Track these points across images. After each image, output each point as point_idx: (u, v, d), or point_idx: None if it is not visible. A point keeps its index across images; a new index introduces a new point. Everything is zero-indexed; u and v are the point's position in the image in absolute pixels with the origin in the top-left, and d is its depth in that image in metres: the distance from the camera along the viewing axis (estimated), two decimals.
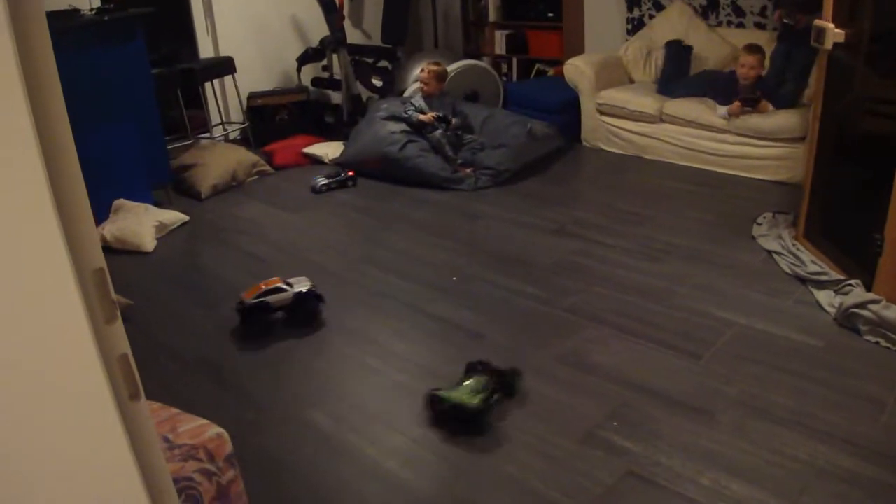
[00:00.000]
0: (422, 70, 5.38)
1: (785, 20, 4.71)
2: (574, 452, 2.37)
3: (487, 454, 2.39)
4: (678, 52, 5.36)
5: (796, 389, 2.60)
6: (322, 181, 4.94)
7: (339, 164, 5.33)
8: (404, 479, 2.31)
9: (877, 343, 2.85)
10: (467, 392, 2.53)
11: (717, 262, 3.60)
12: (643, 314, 3.17)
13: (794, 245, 3.59)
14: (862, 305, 2.91)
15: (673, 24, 5.56)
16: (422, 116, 5.08)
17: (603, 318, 3.17)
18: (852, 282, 3.11)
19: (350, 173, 5.05)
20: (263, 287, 3.18)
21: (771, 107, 4.63)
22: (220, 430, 1.84)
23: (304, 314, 3.23)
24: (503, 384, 2.63)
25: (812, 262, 3.40)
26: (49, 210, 0.88)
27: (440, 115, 5.07)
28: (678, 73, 5.30)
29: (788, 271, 3.42)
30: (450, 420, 2.52)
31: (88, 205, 0.94)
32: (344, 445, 2.48)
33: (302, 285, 3.23)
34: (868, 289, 3.03)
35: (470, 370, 2.68)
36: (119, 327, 0.98)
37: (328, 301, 3.31)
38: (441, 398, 2.53)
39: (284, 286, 3.20)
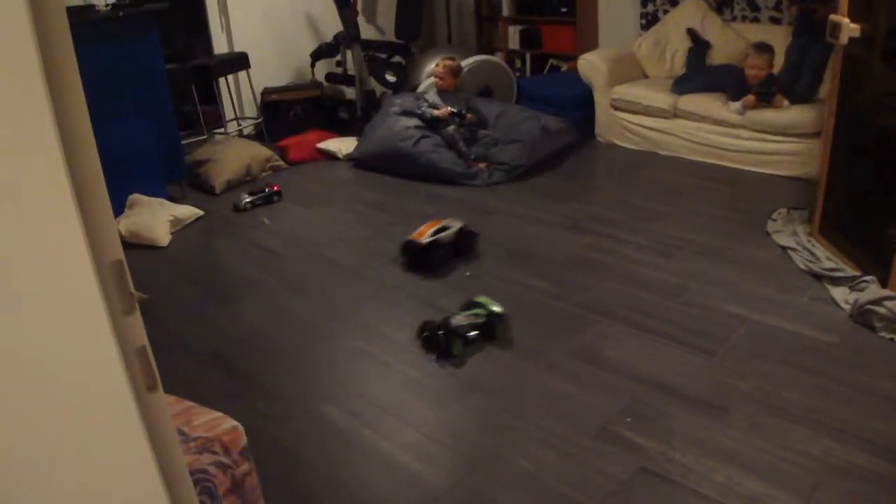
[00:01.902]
0: (436, 65, 5.38)
1: (802, 7, 4.67)
2: (587, 448, 2.37)
3: (501, 449, 2.39)
4: (699, 53, 5.33)
5: (810, 386, 2.59)
6: (247, 199, 4.69)
7: (354, 159, 5.35)
8: (418, 473, 2.32)
9: (892, 340, 2.83)
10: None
11: (731, 258, 3.59)
12: (657, 310, 3.17)
13: (809, 241, 3.57)
14: (877, 302, 2.90)
15: (687, 18, 5.53)
16: (436, 112, 5.07)
17: (616, 313, 3.16)
18: (867, 278, 3.09)
19: (275, 188, 4.80)
20: (429, 229, 3.64)
21: (786, 102, 4.60)
22: (234, 422, 1.85)
23: (466, 246, 3.74)
24: (486, 326, 2.96)
25: (827, 259, 3.38)
26: (69, 202, 0.89)
27: (454, 110, 5.07)
28: (695, 72, 5.28)
29: (803, 267, 3.41)
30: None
31: (107, 197, 0.95)
32: (357, 439, 2.49)
33: (457, 224, 3.69)
34: (884, 285, 3.02)
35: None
36: (137, 319, 0.99)
37: (340, 296, 3.32)
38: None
39: (447, 225, 3.66)
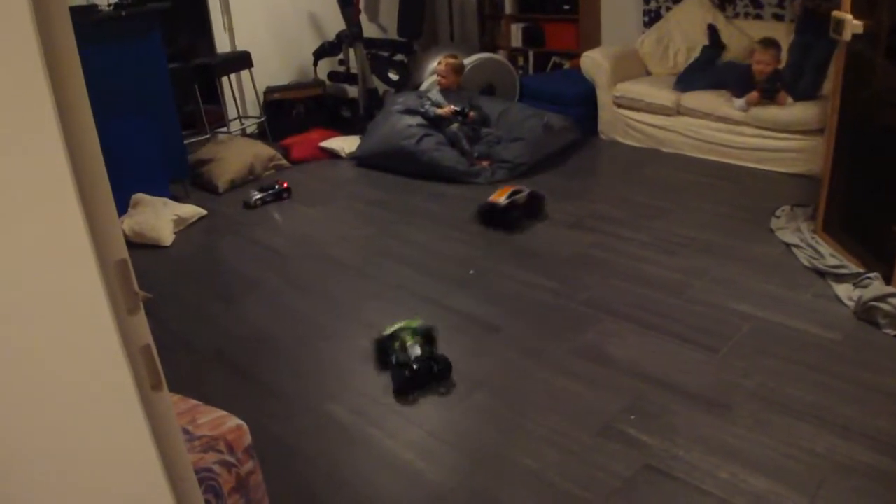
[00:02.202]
0: (439, 63, 5.37)
1: (807, 4, 4.66)
2: (591, 445, 2.37)
3: (504, 447, 2.40)
4: (711, 53, 5.31)
5: (814, 383, 2.59)
6: (257, 195, 4.72)
7: (357, 158, 5.35)
8: (421, 471, 2.32)
9: None
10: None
11: (734, 255, 3.58)
12: (660, 307, 3.16)
13: (812, 238, 3.57)
14: (881, 299, 2.89)
15: (690, 15, 5.53)
16: (439, 111, 5.07)
17: (620, 311, 3.16)
18: (871, 275, 3.09)
19: (285, 185, 4.84)
20: (504, 193, 4.08)
21: (790, 98, 4.60)
22: (239, 421, 1.85)
23: (536, 208, 4.17)
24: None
25: (831, 255, 3.38)
26: (73, 202, 0.89)
27: (457, 108, 5.07)
28: (698, 70, 5.26)
29: (807, 264, 3.40)
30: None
31: (111, 196, 0.95)
32: (361, 437, 2.50)
33: (526, 189, 4.15)
34: (887, 282, 3.01)
35: None
36: (141, 318, 0.99)
37: (343, 294, 3.32)
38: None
39: (518, 189, 4.13)
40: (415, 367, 2.69)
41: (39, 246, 0.91)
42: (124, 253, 0.97)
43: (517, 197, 4.08)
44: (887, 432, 2.32)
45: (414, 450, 2.42)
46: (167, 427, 1.07)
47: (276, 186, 4.81)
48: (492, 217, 4.09)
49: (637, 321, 3.08)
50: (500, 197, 4.07)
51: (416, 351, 2.77)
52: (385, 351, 2.85)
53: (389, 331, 2.87)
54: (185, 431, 1.76)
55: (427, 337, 2.86)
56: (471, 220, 4.13)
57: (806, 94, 4.60)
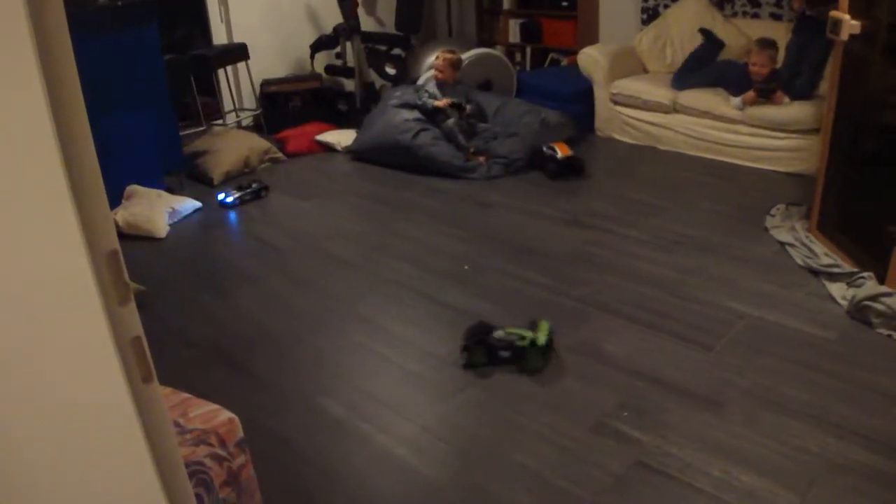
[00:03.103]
0: (437, 57, 5.36)
1: (808, 13, 4.65)
2: (584, 442, 2.37)
3: (497, 442, 2.39)
4: (708, 51, 5.30)
5: (808, 382, 2.59)
6: (235, 193, 4.61)
7: (353, 151, 5.35)
8: (415, 467, 2.32)
9: (889, 336, 2.83)
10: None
11: (729, 253, 3.59)
12: (655, 305, 3.16)
13: (807, 237, 3.57)
14: (875, 298, 2.90)
15: (688, 14, 5.52)
16: (437, 102, 5.06)
17: (615, 308, 3.16)
18: (865, 274, 3.09)
19: (263, 184, 4.75)
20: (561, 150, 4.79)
21: (786, 98, 4.60)
22: (231, 415, 1.85)
23: (578, 168, 4.80)
24: (519, 352, 2.79)
25: (825, 255, 3.38)
26: (64, 192, 0.89)
27: (454, 101, 5.06)
28: (695, 68, 5.25)
29: (801, 263, 3.41)
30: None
31: (103, 188, 0.94)
32: (355, 432, 2.49)
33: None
34: (881, 281, 3.02)
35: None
36: (132, 310, 0.98)
37: (337, 288, 3.31)
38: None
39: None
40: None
41: (29, 236, 0.90)
42: (115, 244, 0.96)
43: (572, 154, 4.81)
44: (880, 431, 2.32)
45: (407, 445, 2.42)
46: (158, 420, 1.06)
47: (254, 185, 4.72)
48: (558, 166, 4.75)
49: (632, 318, 3.08)
50: (565, 151, 4.78)
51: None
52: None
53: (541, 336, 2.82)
54: (177, 424, 1.76)
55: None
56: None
57: (803, 93, 4.61)
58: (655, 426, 2.42)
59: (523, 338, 2.76)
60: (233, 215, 4.45)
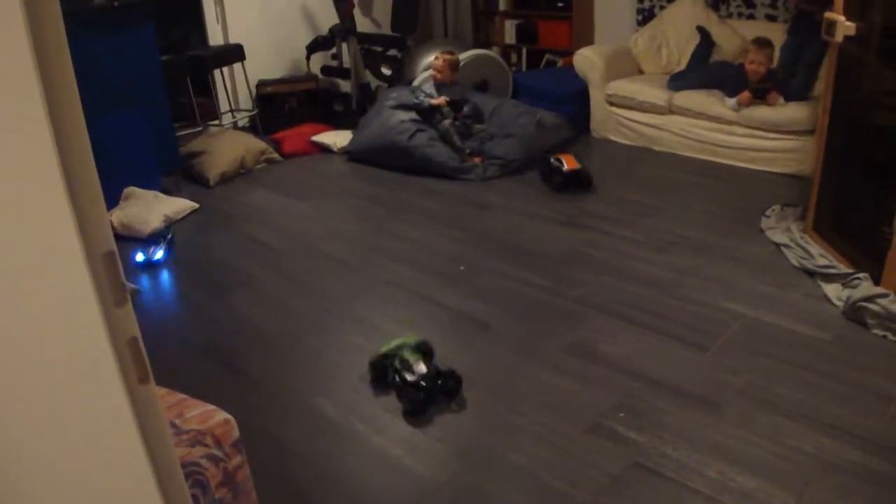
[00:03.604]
0: (436, 58, 5.35)
1: (802, 7, 4.67)
2: (580, 442, 2.37)
3: (494, 443, 2.40)
4: (703, 51, 5.32)
5: (803, 382, 2.60)
6: (153, 250, 3.87)
7: (349, 152, 5.35)
8: (411, 467, 2.32)
9: (884, 337, 2.84)
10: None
11: (725, 254, 3.59)
12: (651, 305, 3.17)
13: (802, 238, 3.58)
14: (870, 299, 2.91)
15: (683, 14, 5.53)
16: (433, 101, 5.06)
17: (611, 308, 3.16)
18: (861, 275, 3.10)
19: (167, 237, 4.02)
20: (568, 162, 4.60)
21: (781, 99, 4.61)
22: (227, 415, 1.84)
23: (585, 181, 4.59)
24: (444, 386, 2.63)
25: (820, 256, 3.39)
26: (60, 192, 0.89)
27: (451, 99, 5.06)
28: (691, 69, 5.27)
29: (797, 264, 3.41)
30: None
31: (99, 188, 0.94)
32: (351, 433, 2.49)
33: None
34: (876, 283, 3.02)
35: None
36: (129, 310, 0.98)
37: (334, 289, 3.31)
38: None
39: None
40: (423, 384, 2.55)
41: (26, 237, 0.90)
42: (112, 245, 0.96)
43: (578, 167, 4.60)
44: (875, 431, 2.33)
45: (403, 446, 2.42)
46: (154, 420, 1.06)
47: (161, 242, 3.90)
48: (564, 178, 4.56)
49: (628, 319, 3.08)
50: (571, 165, 4.57)
51: (422, 368, 2.61)
52: (384, 371, 2.70)
53: (385, 349, 2.71)
54: (173, 425, 1.76)
55: (426, 352, 2.73)
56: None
57: (798, 94, 4.62)
58: (651, 427, 2.42)
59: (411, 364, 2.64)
60: (229, 216, 4.45)
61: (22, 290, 0.92)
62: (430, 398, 2.57)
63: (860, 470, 2.18)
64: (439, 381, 2.59)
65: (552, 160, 4.63)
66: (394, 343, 2.73)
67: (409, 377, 2.60)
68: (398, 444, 2.42)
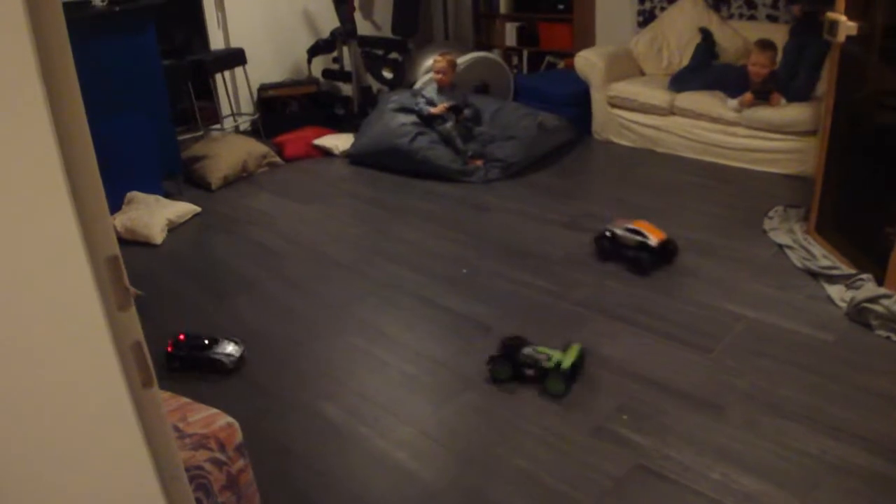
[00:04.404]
0: (436, 61, 5.34)
1: (805, 9, 4.66)
2: (583, 445, 2.37)
3: (496, 446, 2.39)
4: (705, 49, 5.31)
5: (807, 384, 2.59)
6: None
7: (350, 156, 5.35)
8: (413, 471, 2.31)
9: (888, 338, 2.83)
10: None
11: (727, 255, 3.59)
12: (653, 308, 3.16)
13: (805, 239, 3.57)
14: (873, 300, 2.90)
15: (684, 16, 5.53)
16: (433, 109, 5.06)
17: (613, 311, 3.16)
18: (864, 276, 3.10)
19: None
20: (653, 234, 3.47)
21: (783, 100, 4.61)
22: (230, 419, 1.85)
23: (672, 253, 3.54)
24: (543, 372, 2.68)
25: (823, 257, 3.38)
26: (64, 197, 0.89)
27: (452, 104, 5.06)
28: (692, 71, 5.27)
29: (799, 265, 3.41)
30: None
31: (103, 192, 0.94)
32: (353, 436, 2.49)
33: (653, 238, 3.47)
34: (880, 283, 3.02)
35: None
36: (132, 315, 0.98)
37: (336, 292, 3.31)
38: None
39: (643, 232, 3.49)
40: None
41: (30, 242, 0.90)
42: (116, 249, 0.96)
43: (629, 237, 3.50)
44: (880, 433, 2.32)
45: (406, 449, 2.41)
46: (158, 424, 1.06)
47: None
48: (598, 242, 3.63)
49: (630, 321, 3.08)
50: (658, 235, 3.48)
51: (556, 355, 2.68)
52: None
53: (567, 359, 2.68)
54: (176, 429, 1.76)
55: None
56: (589, 248, 3.58)
57: (799, 94, 4.61)
58: (655, 429, 2.42)
59: (550, 358, 2.68)
60: (231, 219, 4.45)
61: (26, 295, 0.92)
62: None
63: (865, 473, 2.17)
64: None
65: (623, 231, 3.52)
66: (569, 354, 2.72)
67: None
68: (401, 447, 2.42)
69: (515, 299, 3.32)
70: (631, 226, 3.49)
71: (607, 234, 3.55)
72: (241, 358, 2.93)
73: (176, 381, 2.64)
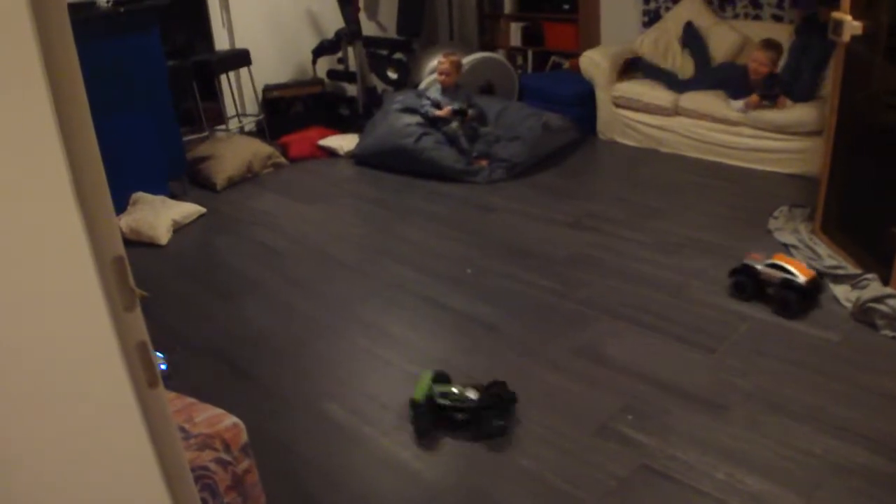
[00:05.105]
0: (440, 62, 5.34)
1: (808, 12, 4.66)
2: (588, 445, 2.37)
3: (501, 446, 2.39)
4: (700, 48, 5.31)
5: (812, 384, 2.59)
6: None
7: (355, 156, 5.36)
8: (418, 471, 2.32)
9: (894, 338, 2.83)
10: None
11: (732, 255, 3.58)
12: (658, 307, 3.16)
13: (810, 239, 3.57)
14: (879, 300, 2.89)
15: (689, 15, 5.52)
16: (438, 112, 5.06)
17: (617, 311, 3.16)
18: (869, 276, 3.09)
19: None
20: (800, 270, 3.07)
21: (789, 102, 4.60)
22: (235, 419, 1.85)
23: (818, 290, 3.14)
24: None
25: (829, 256, 3.38)
26: (70, 198, 0.89)
27: (456, 108, 5.06)
28: (696, 71, 5.26)
29: (805, 265, 3.40)
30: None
31: (108, 193, 0.95)
32: (358, 436, 2.49)
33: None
34: (885, 283, 3.01)
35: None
36: (138, 315, 0.99)
37: (341, 293, 3.32)
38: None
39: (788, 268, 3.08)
40: (488, 404, 2.44)
41: (36, 242, 0.91)
42: (121, 250, 0.97)
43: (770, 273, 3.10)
44: (885, 433, 2.32)
45: (410, 449, 2.42)
46: (163, 424, 1.07)
47: None
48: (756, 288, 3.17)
49: (635, 321, 3.08)
50: (807, 273, 3.09)
51: (472, 393, 2.48)
52: (437, 411, 2.48)
53: (422, 394, 2.46)
54: (182, 429, 1.76)
55: (447, 379, 2.60)
56: (726, 285, 3.24)
57: (805, 94, 4.60)
58: (659, 429, 2.42)
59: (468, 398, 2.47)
60: (236, 220, 4.46)
61: (32, 295, 0.93)
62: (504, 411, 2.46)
63: (869, 472, 2.17)
64: (498, 395, 2.48)
65: (765, 267, 3.12)
66: (424, 386, 2.50)
67: (467, 406, 2.46)
68: (405, 447, 2.42)
69: (520, 299, 3.32)
70: (772, 261, 3.12)
71: (747, 268, 3.17)
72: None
73: (180, 382, 2.65)
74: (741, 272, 3.18)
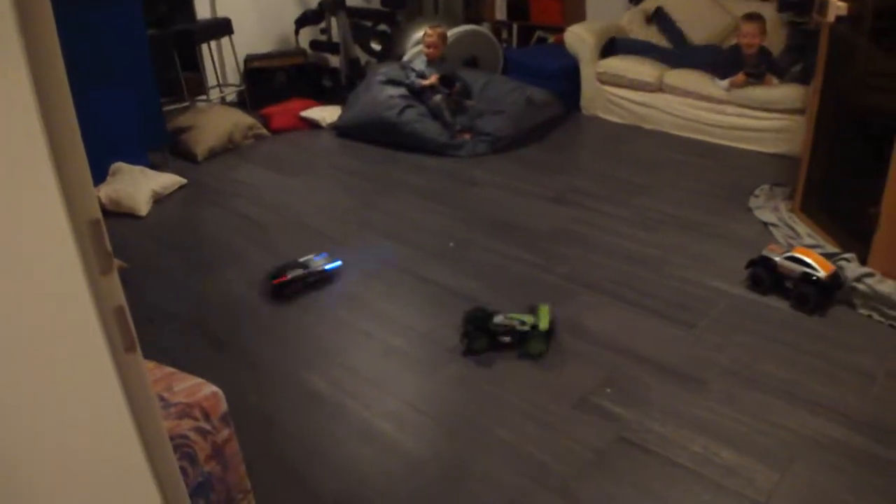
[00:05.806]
0: (427, 34, 5.30)
1: (797, 20, 4.67)
2: (567, 418, 2.39)
3: (480, 418, 2.41)
4: (667, 26, 5.31)
5: (788, 360, 2.62)
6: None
7: (338, 128, 5.32)
8: (398, 441, 2.33)
9: (870, 316, 2.86)
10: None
11: (712, 232, 3.60)
12: (638, 283, 3.18)
13: (790, 217, 3.59)
14: (857, 279, 2.92)
15: None
16: (425, 81, 5.03)
17: (598, 285, 3.17)
18: (847, 255, 3.11)
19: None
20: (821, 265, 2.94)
21: (775, 80, 4.61)
22: (215, 388, 1.84)
23: (837, 287, 2.96)
24: (522, 336, 2.75)
25: (808, 235, 3.40)
26: (45, 160, 0.88)
27: (443, 74, 5.03)
28: (680, 51, 5.26)
29: (784, 243, 3.42)
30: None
31: (84, 156, 0.93)
32: (339, 407, 2.50)
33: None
34: (863, 262, 3.04)
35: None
36: (114, 279, 0.98)
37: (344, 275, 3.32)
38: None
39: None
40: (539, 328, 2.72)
41: (10, 205, 0.89)
42: (98, 213, 0.95)
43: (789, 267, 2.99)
44: (859, 410, 2.35)
45: (391, 420, 2.42)
46: (141, 390, 1.06)
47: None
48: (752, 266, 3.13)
49: (615, 296, 3.09)
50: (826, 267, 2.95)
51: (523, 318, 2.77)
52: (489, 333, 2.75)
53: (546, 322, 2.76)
54: (161, 398, 1.75)
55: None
56: (744, 273, 3.14)
57: (796, 79, 4.60)
58: (637, 402, 2.44)
59: (524, 322, 2.73)
60: (217, 192, 4.42)
61: (5, 258, 0.91)
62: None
63: (844, 447, 2.20)
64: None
65: (784, 260, 3.00)
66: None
67: (523, 328, 2.73)
68: (385, 418, 2.43)
69: (502, 273, 3.32)
70: (792, 253, 3.00)
71: (765, 260, 3.06)
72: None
73: (159, 353, 2.64)
74: (759, 264, 3.07)
